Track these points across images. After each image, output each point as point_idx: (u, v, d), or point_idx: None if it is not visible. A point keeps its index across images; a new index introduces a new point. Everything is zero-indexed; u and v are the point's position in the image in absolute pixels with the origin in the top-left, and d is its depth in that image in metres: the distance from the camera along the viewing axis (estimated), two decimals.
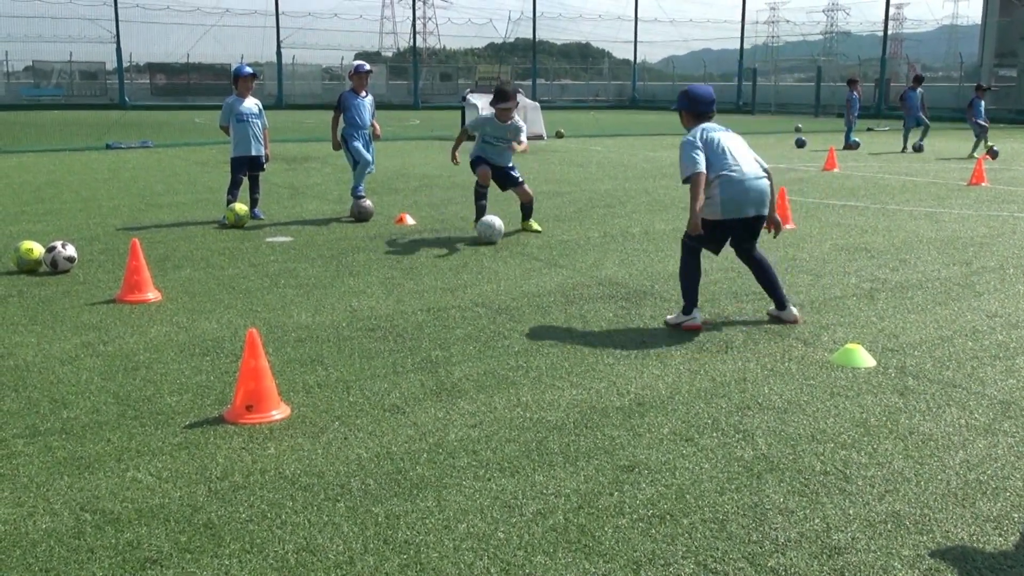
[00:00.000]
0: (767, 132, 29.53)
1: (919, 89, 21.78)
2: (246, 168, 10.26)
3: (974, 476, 3.66)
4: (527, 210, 9.47)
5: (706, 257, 5.96)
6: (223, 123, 10.24)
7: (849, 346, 5.20)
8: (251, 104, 10.19)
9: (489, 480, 3.59)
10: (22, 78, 48.67)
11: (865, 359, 5.10)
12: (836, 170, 16.52)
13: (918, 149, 21.26)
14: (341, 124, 10.55)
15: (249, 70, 10.42)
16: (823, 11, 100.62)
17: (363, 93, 10.50)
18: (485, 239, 8.77)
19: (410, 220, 10.19)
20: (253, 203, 10.32)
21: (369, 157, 10.58)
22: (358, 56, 61.68)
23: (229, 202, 10.09)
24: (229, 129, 10.19)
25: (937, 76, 52.91)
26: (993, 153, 19.44)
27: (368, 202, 10.32)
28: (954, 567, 2.98)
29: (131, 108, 42.42)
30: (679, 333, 5.72)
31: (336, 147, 10.65)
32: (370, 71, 10.70)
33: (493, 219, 8.91)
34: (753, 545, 3.10)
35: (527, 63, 56.25)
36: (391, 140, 22.60)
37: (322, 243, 8.78)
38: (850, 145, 22.14)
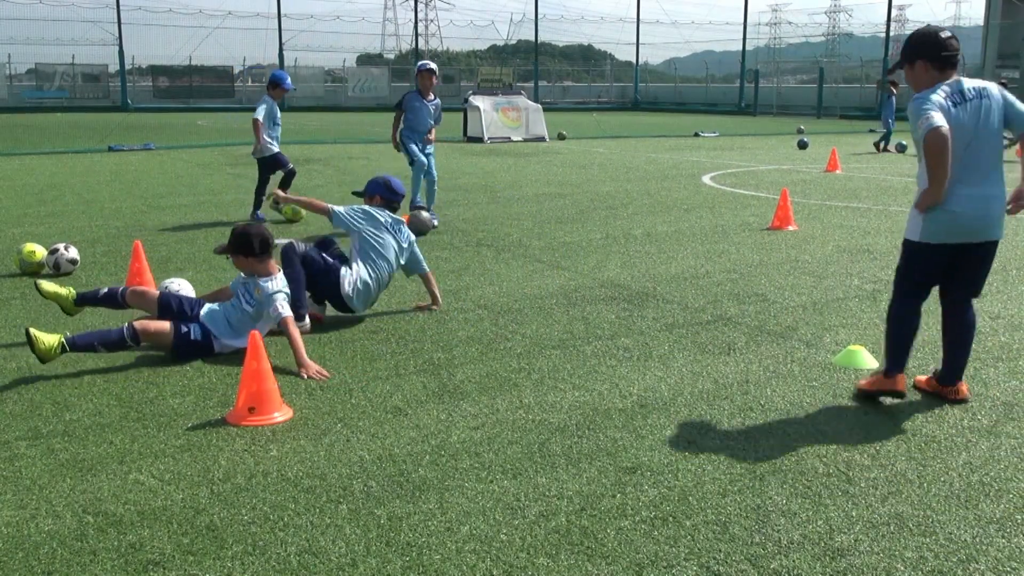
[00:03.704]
0: (769, 133, 29.52)
1: None
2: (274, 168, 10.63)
3: (977, 478, 3.65)
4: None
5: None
6: (261, 117, 10.39)
7: (852, 347, 5.20)
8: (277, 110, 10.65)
9: (491, 482, 3.58)
10: (24, 80, 48.71)
11: (868, 360, 5.09)
12: (838, 172, 16.52)
13: None
14: (401, 125, 10.34)
15: (291, 84, 10.84)
16: (825, 12, 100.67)
17: (430, 96, 10.17)
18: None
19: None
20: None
21: (424, 160, 10.22)
22: (360, 58, 61.79)
23: (259, 203, 10.49)
24: (262, 126, 10.37)
25: None
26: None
27: (426, 214, 9.75)
28: (957, 569, 2.97)
29: (133, 110, 42.51)
30: (682, 335, 5.72)
31: (397, 148, 10.49)
32: (433, 70, 10.20)
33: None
34: (756, 547, 3.10)
35: (529, 65, 56.30)
36: None
37: None
38: (888, 148, 21.58)
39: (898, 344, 4.44)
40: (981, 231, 4.27)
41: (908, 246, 4.41)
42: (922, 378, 4.73)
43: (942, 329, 4.58)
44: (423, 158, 10.24)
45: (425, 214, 9.68)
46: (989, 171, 4.24)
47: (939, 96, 4.18)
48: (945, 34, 4.31)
